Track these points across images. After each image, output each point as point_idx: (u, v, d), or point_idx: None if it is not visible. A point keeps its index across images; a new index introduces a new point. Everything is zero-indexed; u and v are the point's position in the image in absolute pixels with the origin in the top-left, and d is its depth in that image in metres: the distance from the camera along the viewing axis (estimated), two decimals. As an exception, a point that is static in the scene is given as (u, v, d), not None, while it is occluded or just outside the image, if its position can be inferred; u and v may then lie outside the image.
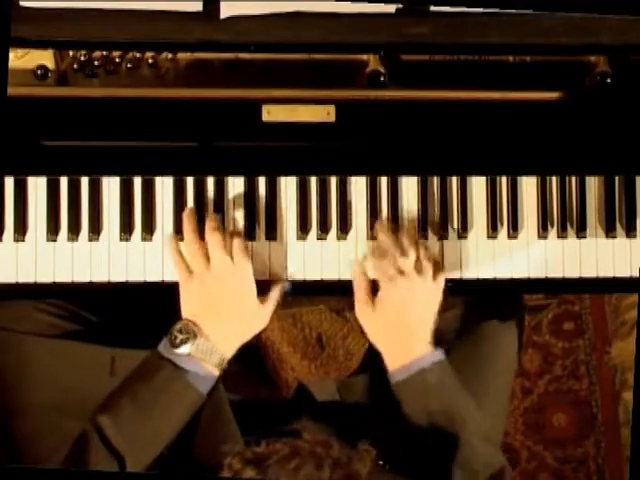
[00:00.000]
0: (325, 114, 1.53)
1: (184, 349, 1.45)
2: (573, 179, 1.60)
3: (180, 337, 1.45)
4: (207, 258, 1.48)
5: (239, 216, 1.55)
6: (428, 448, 1.47)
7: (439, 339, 1.57)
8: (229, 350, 1.48)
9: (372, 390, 1.64)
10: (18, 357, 1.60)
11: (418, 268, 1.49)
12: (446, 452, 1.45)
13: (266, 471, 1.24)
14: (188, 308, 1.48)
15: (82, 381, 1.55)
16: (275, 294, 1.52)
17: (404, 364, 1.47)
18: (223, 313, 1.47)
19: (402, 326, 1.48)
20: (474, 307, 1.69)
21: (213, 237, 1.48)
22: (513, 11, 1.52)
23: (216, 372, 1.46)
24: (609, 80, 1.55)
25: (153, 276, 1.54)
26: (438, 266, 1.52)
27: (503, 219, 1.59)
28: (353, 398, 1.63)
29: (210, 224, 1.49)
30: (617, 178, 1.60)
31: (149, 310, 1.55)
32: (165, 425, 1.44)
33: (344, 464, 1.25)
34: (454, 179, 1.58)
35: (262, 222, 1.56)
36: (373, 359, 1.55)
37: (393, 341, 1.49)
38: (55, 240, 1.54)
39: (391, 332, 1.49)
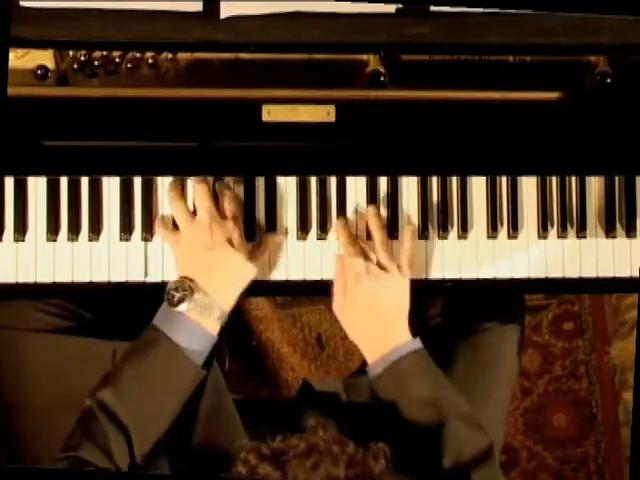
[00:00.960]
0: (325, 114, 1.53)
1: (182, 306, 1.44)
2: (573, 179, 1.60)
3: (177, 295, 1.44)
4: (193, 215, 1.49)
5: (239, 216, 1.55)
6: (414, 437, 1.46)
7: (439, 340, 1.57)
8: (227, 302, 1.47)
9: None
10: (18, 354, 1.59)
11: (381, 261, 1.50)
12: (431, 438, 1.45)
13: (283, 467, 1.23)
14: (181, 266, 1.49)
15: (84, 376, 1.54)
16: (266, 243, 1.52)
17: (381, 355, 1.48)
18: (214, 265, 1.47)
19: (373, 320, 1.49)
20: (474, 308, 1.69)
21: (199, 187, 1.49)
22: (513, 11, 1.52)
23: (217, 328, 1.46)
24: (609, 80, 1.55)
25: (153, 276, 1.54)
26: (403, 257, 1.53)
27: (503, 219, 1.59)
28: (359, 397, 1.63)
29: (197, 178, 1.51)
30: (617, 178, 1.60)
31: (149, 304, 1.54)
32: (166, 397, 1.44)
33: (359, 462, 1.25)
34: (454, 179, 1.58)
35: (262, 222, 1.56)
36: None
37: (368, 335, 1.49)
38: (55, 240, 1.54)
39: (365, 326, 1.49)
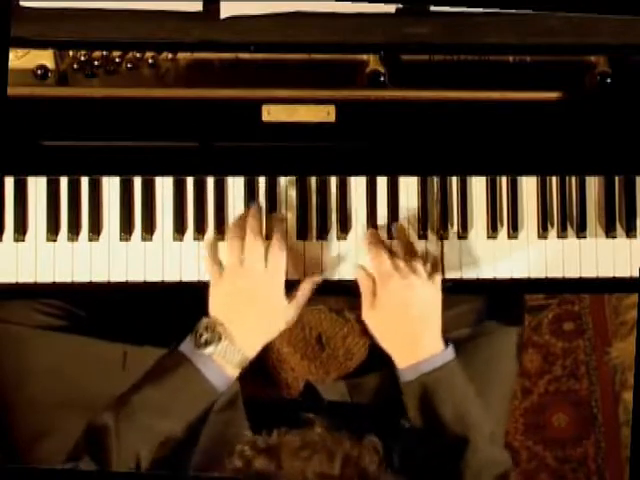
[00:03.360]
0: (325, 114, 1.53)
1: (208, 350, 1.44)
2: (573, 179, 1.60)
3: (205, 336, 1.44)
4: (242, 257, 1.47)
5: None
6: (435, 448, 1.46)
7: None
8: (252, 350, 1.47)
9: (382, 390, 1.63)
10: (21, 351, 1.59)
11: (411, 267, 1.48)
12: (453, 453, 1.45)
13: (277, 460, 1.23)
14: (216, 306, 1.47)
15: (93, 377, 1.55)
16: (303, 293, 1.51)
17: (413, 363, 1.47)
18: (250, 313, 1.47)
19: (405, 325, 1.48)
20: (474, 309, 1.69)
21: (253, 236, 1.47)
22: (513, 11, 1.52)
23: (235, 373, 1.46)
24: (609, 80, 1.55)
25: (153, 276, 1.54)
26: (434, 265, 1.53)
27: (503, 219, 1.59)
28: (363, 398, 1.63)
29: (251, 222, 1.49)
30: (617, 178, 1.60)
31: (161, 308, 1.54)
32: (180, 419, 1.44)
33: (354, 459, 1.25)
34: (454, 179, 1.58)
35: (262, 222, 1.55)
36: (384, 359, 1.55)
37: (400, 341, 1.49)
38: (55, 240, 1.54)
39: (396, 332, 1.48)
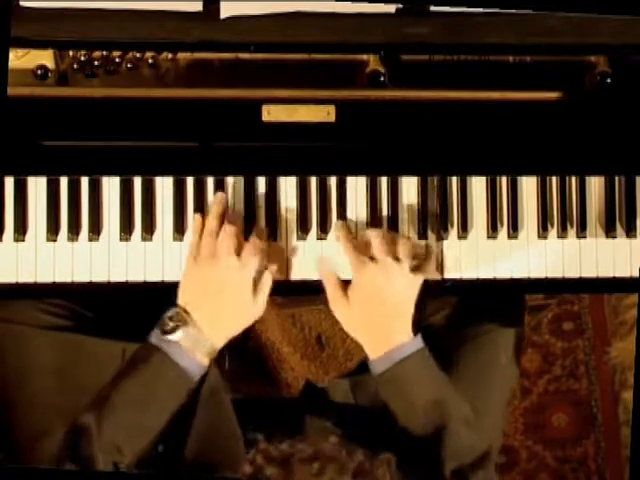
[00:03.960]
0: (325, 114, 1.53)
1: (173, 336, 1.45)
2: (573, 179, 1.60)
3: (171, 324, 1.45)
4: (216, 249, 1.48)
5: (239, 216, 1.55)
6: (414, 438, 1.47)
7: (439, 341, 1.57)
8: (219, 340, 1.48)
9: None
10: (22, 350, 1.59)
11: (387, 256, 1.49)
12: (432, 440, 1.45)
13: (288, 470, 1.24)
14: (185, 295, 1.48)
15: (93, 375, 1.55)
16: (266, 283, 1.51)
17: (385, 352, 1.47)
18: (218, 304, 1.47)
19: (378, 314, 1.48)
20: (474, 308, 1.69)
21: (227, 229, 1.48)
22: (513, 11, 1.52)
23: (206, 361, 1.46)
24: (609, 80, 1.55)
25: (153, 276, 1.54)
26: (422, 259, 1.53)
27: (503, 219, 1.59)
28: (366, 396, 1.63)
29: (231, 216, 1.51)
30: (617, 178, 1.60)
31: (159, 305, 1.54)
32: (158, 412, 1.45)
33: (366, 472, 1.25)
34: (454, 179, 1.58)
35: (262, 222, 1.56)
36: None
37: (371, 330, 1.49)
38: (55, 240, 1.54)
39: (368, 321, 1.49)
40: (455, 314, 1.68)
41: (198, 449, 1.49)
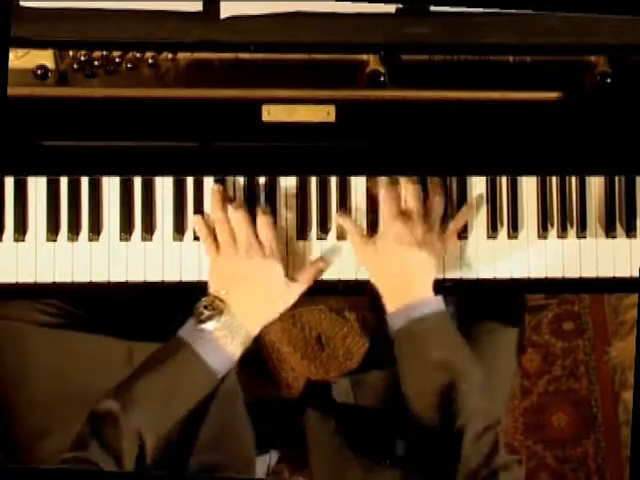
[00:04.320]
0: (325, 114, 1.53)
1: (209, 325, 1.44)
2: (573, 179, 1.60)
3: (206, 313, 1.44)
4: (234, 235, 1.49)
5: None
6: (424, 407, 1.45)
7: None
8: (254, 327, 1.48)
9: (385, 388, 1.63)
10: (25, 349, 1.59)
11: (422, 215, 1.51)
12: (442, 402, 1.44)
13: None
14: (216, 283, 1.48)
15: (97, 374, 1.55)
16: (307, 275, 1.52)
17: (403, 304, 1.47)
18: (250, 289, 1.47)
19: (401, 266, 1.49)
20: (474, 309, 1.69)
21: (237, 214, 1.49)
22: (513, 11, 1.52)
23: (239, 352, 1.46)
24: (609, 80, 1.55)
25: (153, 276, 1.54)
26: (456, 223, 1.55)
27: (503, 219, 1.59)
28: (367, 395, 1.63)
29: (235, 203, 1.51)
30: (617, 178, 1.60)
31: (166, 304, 1.55)
32: (181, 405, 1.44)
33: None
34: (454, 179, 1.58)
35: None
36: (385, 356, 1.55)
37: (393, 281, 1.49)
38: (55, 240, 1.54)
39: (390, 271, 1.49)
40: (455, 314, 1.67)
41: (209, 447, 1.49)
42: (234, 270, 1.48)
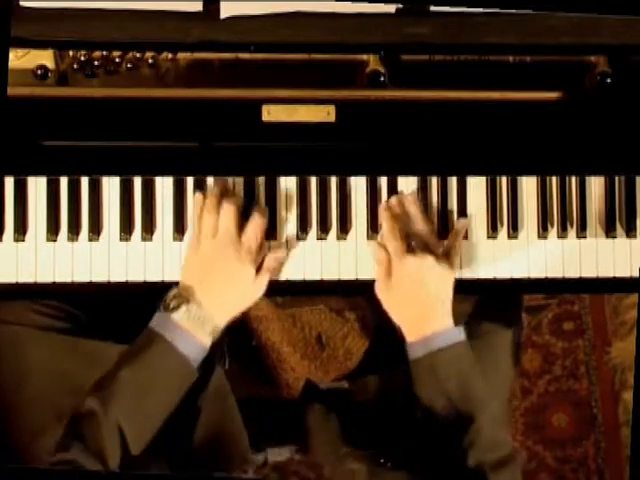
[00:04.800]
0: (325, 114, 1.53)
1: (175, 315, 1.45)
2: (573, 179, 1.60)
3: (173, 302, 1.45)
4: (217, 227, 1.49)
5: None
6: (438, 432, 1.46)
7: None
8: (222, 319, 1.48)
9: (384, 390, 1.63)
10: (23, 351, 1.59)
11: (426, 244, 1.50)
12: (458, 432, 1.44)
13: None
14: (186, 272, 1.49)
15: (91, 377, 1.55)
16: (269, 264, 1.52)
17: (423, 337, 1.47)
18: (219, 281, 1.47)
19: (418, 302, 1.48)
20: (472, 310, 1.68)
21: (227, 207, 1.49)
22: (513, 11, 1.52)
23: (207, 341, 1.46)
24: (609, 80, 1.55)
25: (153, 276, 1.54)
26: (451, 242, 1.54)
27: (503, 219, 1.59)
28: (366, 397, 1.63)
29: (231, 196, 1.51)
30: (617, 178, 1.60)
31: (150, 305, 1.54)
32: (160, 398, 1.44)
33: None
34: (454, 179, 1.58)
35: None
36: (384, 358, 1.55)
37: (411, 315, 1.49)
38: (55, 240, 1.54)
39: (408, 307, 1.49)
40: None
41: (204, 447, 1.49)
42: (206, 261, 1.48)
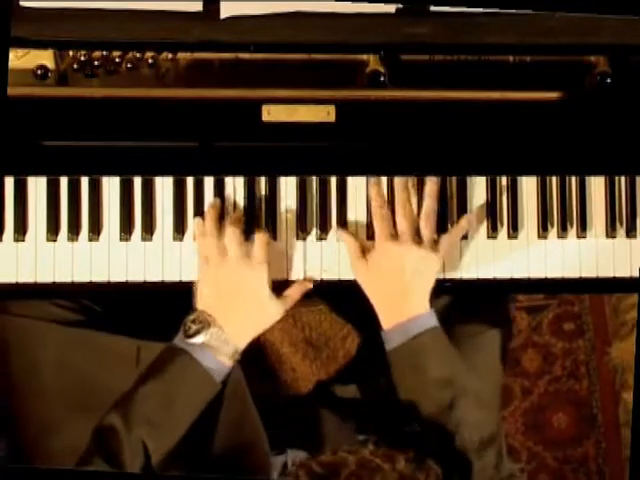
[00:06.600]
0: (325, 114, 1.53)
1: (198, 339, 1.45)
2: (573, 179, 1.60)
3: (194, 327, 1.45)
4: (225, 250, 1.49)
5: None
6: (420, 416, 1.46)
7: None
8: (242, 341, 1.48)
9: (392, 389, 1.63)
10: (37, 345, 1.59)
11: (412, 232, 1.51)
12: (439, 417, 1.44)
13: None
14: (203, 298, 1.49)
15: (106, 371, 1.55)
16: (294, 292, 1.52)
17: (398, 322, 1.47)
18: (237, 304, 1.47)
19: (395, 285, 1.48)
20: (461, 311, 1.68)
21: (231, 228, 1.49)
22: (513, 11, 1.52)
23: (229, 363, 1.47)
24: (609, 80, 1.55)
25: (153, 276, 1.54)
26: (444, 238, 1.54)
27: (503, 219, 1.59)
28: (373, 395, 1.63)
29: (233, 216, 1.52)
30: (617, 178, 1.60)
31: (174, 304, 1.55)
32: (183, 412, 1.44)
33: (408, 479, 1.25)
34: (454, 179, 1.58)
35: (262, 222, 1.56)
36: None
37: (387, 299, 1.49)
38: (55, 240, 1.54)
39: (385, 290, 1.49)
40: (442, 317, 1.67)
41: (224, 447, 1.49)
42: (221, 284, 1.48)
